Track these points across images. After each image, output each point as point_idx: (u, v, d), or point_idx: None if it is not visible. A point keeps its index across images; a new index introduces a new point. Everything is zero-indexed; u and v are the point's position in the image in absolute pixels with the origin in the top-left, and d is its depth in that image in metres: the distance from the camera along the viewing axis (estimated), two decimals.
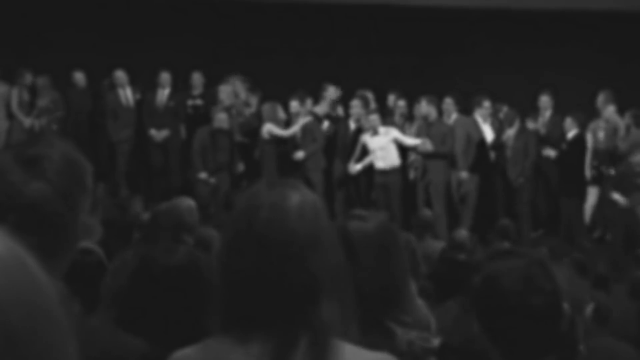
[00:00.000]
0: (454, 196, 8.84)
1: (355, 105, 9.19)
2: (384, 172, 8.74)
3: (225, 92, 9.72)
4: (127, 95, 10.08)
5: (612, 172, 8.41)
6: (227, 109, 9.45)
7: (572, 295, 3.40)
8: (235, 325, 1.30)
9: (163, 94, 10.02)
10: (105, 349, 1.60)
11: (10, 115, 9.93)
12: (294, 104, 9.10)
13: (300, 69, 10.42)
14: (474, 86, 9.53)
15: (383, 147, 8.73)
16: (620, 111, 8.77)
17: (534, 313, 1.56)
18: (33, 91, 10.05)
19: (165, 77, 9.97)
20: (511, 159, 8.76)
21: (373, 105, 9.43)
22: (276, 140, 9.02)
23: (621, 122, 8.66)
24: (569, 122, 8.74)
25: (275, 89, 9.61)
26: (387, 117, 9.32)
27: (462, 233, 5.57)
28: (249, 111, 9.73)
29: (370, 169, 8.89)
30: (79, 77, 10.31)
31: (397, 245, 1.88)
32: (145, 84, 10.10)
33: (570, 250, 7.61)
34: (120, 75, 10.01)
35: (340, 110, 9.58)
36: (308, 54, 10.64)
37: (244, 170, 9.37)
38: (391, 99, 9.69)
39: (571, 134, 8.72)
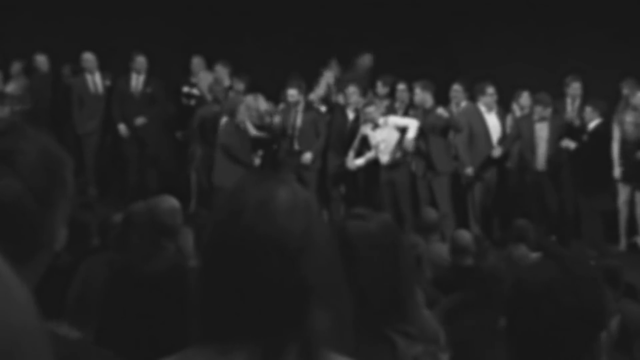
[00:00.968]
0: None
1: (353, 92, 9.20)
2: (390, 167, 8.75)
3: (204, 79, 9.76)
4: (95, 81, 10.06)
5: None
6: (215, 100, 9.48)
7: None
8: (217, 334, 1.30)
9: (138, 80, 10.03)
10: None
11: None
12: (292, 92, 9.02)
13: (294, 54, 10.46)
14: (485, 72, 9.54)
15: (385, 139, 8.75)
16: None
17: (547, 325, 1.60)
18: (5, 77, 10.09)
19: (140, 61, 9.94)
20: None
21: (377, 93, 9.47)
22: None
23: None
24: (589, 111, 8.55)
25: (266, 75, 9.66)
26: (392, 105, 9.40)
27: (464, 235, 5.51)
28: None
29: (371, 164, 8.90)
30: (41, 60, 10.29)
31: (402, 248, 1.90)
32: (116, 70, 10.08)
33: (594, 257, 7.67)
34: (88, 58, 9.94)
35: (340, 98, 9.56)
36: (304, 38, 10.70)
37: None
38: (399, 87, 9.63)
39: (593, 124, 8.52)
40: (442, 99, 9.09)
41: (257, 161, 8.80)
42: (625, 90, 8.89)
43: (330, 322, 1.30)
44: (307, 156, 8.95)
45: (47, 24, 10.60)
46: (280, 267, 1.29)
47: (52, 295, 2.29)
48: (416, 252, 5.35)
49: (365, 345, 1.46)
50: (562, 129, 8.75)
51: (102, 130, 10.10)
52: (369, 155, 8.92)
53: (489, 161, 8.91)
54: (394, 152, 8.74)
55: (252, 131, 8.81)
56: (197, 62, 10.21)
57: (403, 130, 8.74)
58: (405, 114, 9.28)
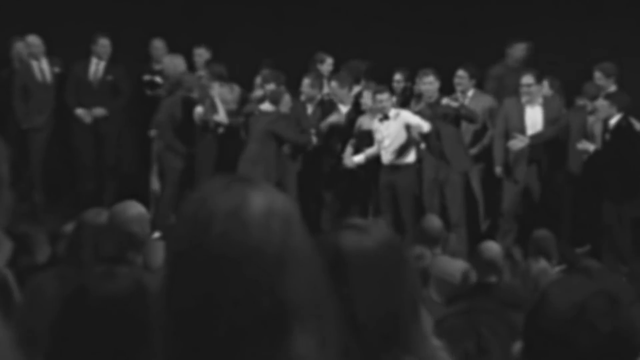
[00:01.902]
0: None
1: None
2: (393, 168, 8.80)
3: (171, 64, 9.77)
4: (42, 68, 10.00)
5: None
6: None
7: None
8: None
9: (99, 66, 9.99)
10: None
11: None
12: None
13: (285, 40, 10.56)
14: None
15: (391, 135, 8.75)
16: None
17: (578, 353, 1.58)
18: None
19: (104, 44, 9.91)
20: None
21: (394, 88, 9.51)
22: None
23: None
24: (605, 105, 8.46)
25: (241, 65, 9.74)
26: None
27: (493, 247, 5.49)
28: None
29: (371, 162, 8.94)
30: None
31: (405, 266, 1.89)
32: (67, 55, 10.05)
33: (626, 273, 7.70)
34: (34, 42, 9.88)
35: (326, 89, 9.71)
36: (295, 23, 10.79)
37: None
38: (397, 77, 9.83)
39: (613, 120, 8.45)
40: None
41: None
42: None
43: (315, 350, 1.29)
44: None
45: None
46: (255, 285, 1.29)
47: None
48: (422, 265, 5.36)
49: None
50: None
51: (51, 125, 10.03)
52: (370, 151, 8.95)
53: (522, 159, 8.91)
54: (398, 152, 8.75)
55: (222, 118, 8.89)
56: (158, 45, 10.20)
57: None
58: (403, 106, 9.32)
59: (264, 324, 1.29)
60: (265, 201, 1.35)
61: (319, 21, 10.73)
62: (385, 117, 8.78)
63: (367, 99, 9.13)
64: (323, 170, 9.31)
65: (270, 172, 8.69)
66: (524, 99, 8.87)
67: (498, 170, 8.97)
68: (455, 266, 5.70)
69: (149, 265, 4.00)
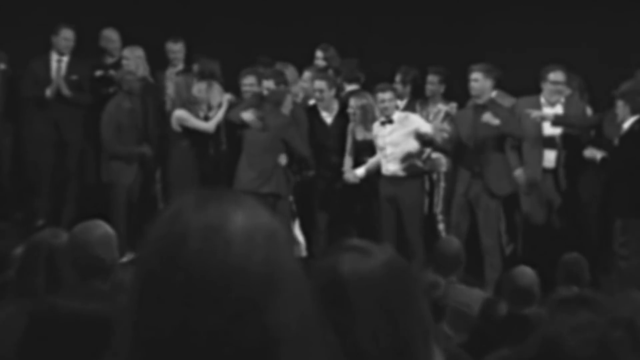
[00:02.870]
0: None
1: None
2: (396, 180, 8.81)
3: (132, 57, 9.83)
4: None
5: None
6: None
7: None
8: None
9: (61, 63, 9.97)
10: None
11: None
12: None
13: (275, 32, 10.61)
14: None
15: (397, 142, 8.76)
16: None
17: None
18: None
19: (67, 36, 9.89)
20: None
21: (395, 89, 9.47)
22: (189, 133, 9.23)
23: None
24: (620, 106, 8.44)
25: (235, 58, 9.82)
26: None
27: (528, 274, 5.46)
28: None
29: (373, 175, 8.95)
30: None
31: (413, 291, 1.89)
32: (14, 51, 10.02)
33: None
34: None
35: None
36: (288, 13, 10.87)
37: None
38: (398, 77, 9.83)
39: (627, 123, 8.42)
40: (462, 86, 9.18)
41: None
42: None
43: None
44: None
45: None
46: (237, 312, 1.30)
47: None
48: (435, 295, 5.34)
49: None
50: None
51: None
52: (372, 161, 8.95)
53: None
54: (402, 161, 8.77)
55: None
56: (112, 36, 10.22)
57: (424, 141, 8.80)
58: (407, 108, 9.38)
59: (248, 356, 1.29)
60: (248, 216, 1.36)
61: (307, 15, 10.78)
62: (389, 121, 8.79)
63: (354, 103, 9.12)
64: (317, 187, 9.36)
65: (282, 186, 8.82)
66: (553, 97, 8.91)
67: (518, 173, 8.90)
68: (472, 295, 5.70)
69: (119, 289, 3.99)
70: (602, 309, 1.70)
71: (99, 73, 10.07)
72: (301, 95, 9.73)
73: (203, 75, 9.45)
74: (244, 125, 9.05)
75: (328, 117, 9.38)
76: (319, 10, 10.89)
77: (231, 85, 9.61)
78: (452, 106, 9.40)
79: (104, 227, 3.93)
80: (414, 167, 8.83)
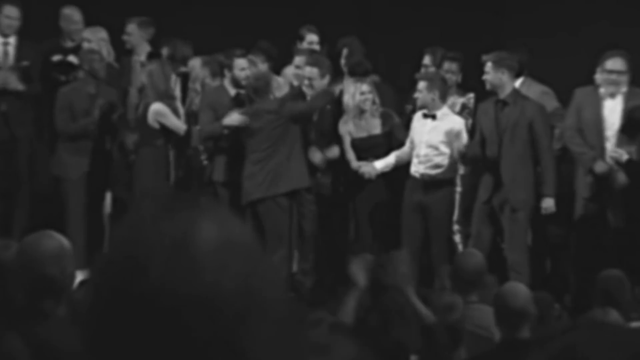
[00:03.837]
0: None
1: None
2: (427, 184, 8.92)
3: (95, 40, 9.94)
4: None
5: None
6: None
7: None
8: None
9: (7, 47, 9.99)
10: None
11: None
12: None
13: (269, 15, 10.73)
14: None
15: (433, 143, 8.85)
16: None
17: None
18: None
19: (11, 14, 9.91)
20: None
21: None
22: (166, 132, 9.31)
23: None
24: None
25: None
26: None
27: (520, 292, 5.49)
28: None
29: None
30: None
31: None
32: None
33: None
34: None
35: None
36: None
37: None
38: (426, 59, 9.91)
39: None
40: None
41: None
42: None
43: None
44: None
45: None
46: (207, 344, 1.30)
47: None
48: (453, 318, 5.40)
49: None
50: None
51: None
52: (400, 154, 9.04)
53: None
54: (435, 165, 8.87)
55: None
56: (71, 14, 10.27)
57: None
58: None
59: None
60: (219, 230, 1.35)
61: None
62: (432, 116, 8.88)
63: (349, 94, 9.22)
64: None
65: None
66: (609, 88, 8.92)
67: (600, 167, 8.79)
68: (492, 318, 5.69)
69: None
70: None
71: (56, 58, 10.07)
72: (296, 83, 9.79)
73: (174, 60, 9.45)
74: (234, 131, 9.17)
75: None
76: None
77: None
78: (470, 97, 9.40)
79: (56, 240, 3.94)
80: (446, 172, 8.96)
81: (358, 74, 9.48)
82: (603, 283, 6.49)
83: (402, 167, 9.14)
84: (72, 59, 9.99)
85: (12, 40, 10.02)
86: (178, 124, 9.31)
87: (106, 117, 9.51)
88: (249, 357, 1.32)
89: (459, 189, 9.41)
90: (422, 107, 8.96)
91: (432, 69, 9.69)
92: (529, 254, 8.93)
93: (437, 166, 8.91)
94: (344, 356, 1.87)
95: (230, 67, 9.47)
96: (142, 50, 10.24)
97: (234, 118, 9.11)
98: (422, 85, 8.89)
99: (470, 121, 9.24)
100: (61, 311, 3.86)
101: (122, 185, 9.71)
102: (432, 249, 8.86)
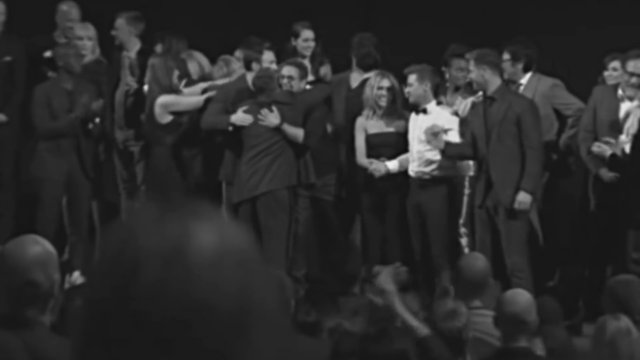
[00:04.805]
0: None
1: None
2: (421, 183, 8.95)
3: (85, 37, 9.96)
4: None
5: None
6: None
7: None
8: None
9: None
10: None
11: None
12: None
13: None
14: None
15: (423, 139, 8.81)
16: None
17: None
18: None
19: None
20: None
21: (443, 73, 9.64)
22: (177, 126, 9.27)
23: None
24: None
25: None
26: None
27: (520, 298, 5.51)
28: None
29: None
30: None
31: None
32: None
33: None
34: None
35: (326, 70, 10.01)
36: None
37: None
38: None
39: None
40: None
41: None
42: None
43: None
44: None
45: None
46: (202, 356, 1.31)
47: None
48: (455, 326, 5.32)
49: None
50: None
51: None
52: (406, 156, 9.02)
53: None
54: (428, 162, 8.91)
55: None
56: (68, 10, 10.28)
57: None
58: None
59: None
60: (215, 237, 1.36)
61: None
62: (423, 110, 8.89)
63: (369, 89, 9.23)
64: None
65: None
66: (629, 91, 8.93)
67: (604, 174, 8.85)
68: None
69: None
70: None
71: (48, 54, 10.06)
72: None
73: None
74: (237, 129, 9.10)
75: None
76: None
77: None
78: (479, 96, 9.34)
79: (41, 245, 3.92)
80: (442, 169, 8.99)
81: (366, 65, 9.53)
82: (614, 288, 6.49)
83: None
84: (48, 54, 9.98)
85: None
86: (192, 100, 9.30)
87: (91, 117, 9.44)
88: None
89: (467, 190, 9.35)
90: (414, 103, 8.95)
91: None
92: (540, 257, 8.95)
93: (429, 162, 8.94)
94: None
95: (258, 60, 9.43)
96: (132, 46, 10.21)
97: (242, 117, 9.02)
98: (412, 78, 8.91)
99: None
100: (46, 319, 3.86)
101: (111, 187, 9.73)
102: (432, 252, 8.88)
